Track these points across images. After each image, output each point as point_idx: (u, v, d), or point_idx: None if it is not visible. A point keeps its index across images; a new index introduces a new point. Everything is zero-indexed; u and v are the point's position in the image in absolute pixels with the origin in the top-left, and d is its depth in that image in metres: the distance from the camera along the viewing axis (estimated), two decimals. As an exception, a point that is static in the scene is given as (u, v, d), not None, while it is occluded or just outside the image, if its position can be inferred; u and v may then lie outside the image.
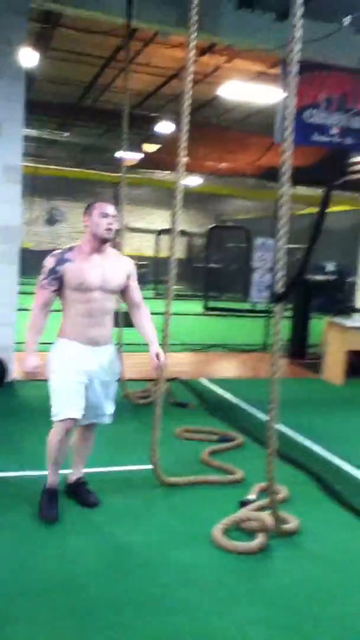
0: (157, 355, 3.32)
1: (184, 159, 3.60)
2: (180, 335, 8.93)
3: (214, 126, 11.16)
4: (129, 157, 15.40)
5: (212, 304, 14.48)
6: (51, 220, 24.25)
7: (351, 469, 4.38)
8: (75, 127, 16.40)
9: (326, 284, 14.18)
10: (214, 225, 16.16)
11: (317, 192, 13.36)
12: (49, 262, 3.16)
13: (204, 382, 6.92)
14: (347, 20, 6.75)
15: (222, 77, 10.75)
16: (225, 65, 9.95)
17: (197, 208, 22.89)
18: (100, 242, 3.18)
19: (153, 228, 19.69)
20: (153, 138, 14.37)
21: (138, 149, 13.46)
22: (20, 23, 6.01)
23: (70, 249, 3.22)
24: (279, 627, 2.48)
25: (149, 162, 12.68)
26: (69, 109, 15.11)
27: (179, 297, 18.04)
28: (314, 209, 12.29)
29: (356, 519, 3.54)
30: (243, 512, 3.34)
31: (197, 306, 14.23)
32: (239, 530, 3.23)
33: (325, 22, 6.52)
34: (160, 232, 18.63)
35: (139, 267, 20.97)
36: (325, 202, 2.84)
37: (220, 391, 6.55)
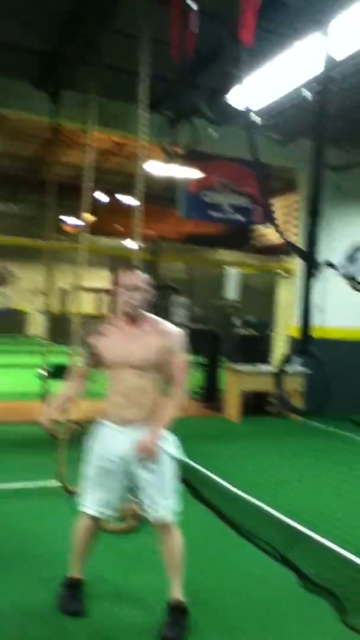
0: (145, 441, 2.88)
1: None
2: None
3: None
4: (72, 225, 16.83)
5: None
6: (2, 281, 25.17)
7: (219, 479, 5.52)
8: (19, 199, 17.78)
9: (251, 337, 15.54)
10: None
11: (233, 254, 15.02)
12: (82, 333, 3.14)
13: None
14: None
15: (149, 156, 12.36)
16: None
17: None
18: (126, 315, 2.97)
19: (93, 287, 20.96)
20: (91, 208, 15.83)
21: (77, 217, 14.87)
22: None
23: (109, 319, 3.05)
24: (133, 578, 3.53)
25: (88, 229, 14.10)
26: (13, 181, 16.48)
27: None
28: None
29: (211, 514, 4.62)
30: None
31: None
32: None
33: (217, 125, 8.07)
34: (99, 291, 19.80)
35: (84, 324, 21.97)
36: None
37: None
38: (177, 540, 3.00)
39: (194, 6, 3.16)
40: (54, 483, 4.92)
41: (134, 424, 2.92)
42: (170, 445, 2.97)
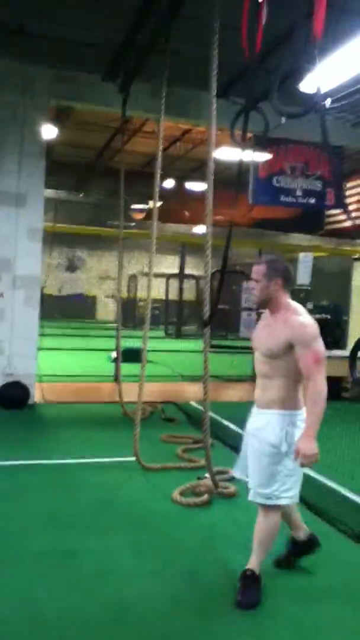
0: (297, 451, 2.86)
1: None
2: (183, 368, 10.38)
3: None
4: (137, 211, 17.15)
5: (215, 341, 15.77)
6: (71, 267, 26.04)
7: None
8: (89, 187, 18.23)
9: (324, 322, 15.39)
10: (215, 269, 17.63)
11: (306, 238, 14.84)
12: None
13: (193, 404, 8.19)
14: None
15: (217, 142, 12.41)
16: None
17: (213, 255, 24.47)
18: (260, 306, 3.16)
19: (161, 272, 21.30)
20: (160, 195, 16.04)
21: (145, 204, 15.15)
22: (40, 117, 7.60)
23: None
24: (207, 548, 3.72)
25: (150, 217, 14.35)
26: (84, 170, 16.94)
27: (188, 336, 19.55)
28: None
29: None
30: (196, 482, 4.61)
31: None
32: (194, 494, 4.49)
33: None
34: (169, 277, 20.10)
35: (152, 310, 22.20)
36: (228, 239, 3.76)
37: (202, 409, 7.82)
38: (269, 522, 3.09)
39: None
40: (130, 459, 5.18)
41: (259, 408, 3.10)
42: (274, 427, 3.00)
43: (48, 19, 6.23)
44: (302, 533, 3.41)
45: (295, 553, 3.43)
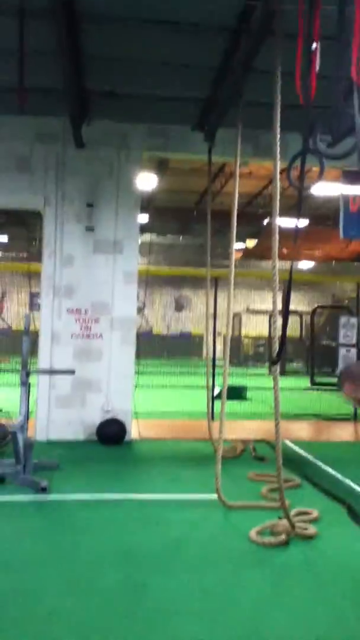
0: None
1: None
2: (284, 406, 10.22)
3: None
4: (236, 250, 17.46)
5: (319, 379, 15.39)
6: (178, 307, 26.80)
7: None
8: (192, 229, 18.91)
9: None
10: (317, 305, 17.39)
11: None
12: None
13: (287, 442, 8.08)
14: None
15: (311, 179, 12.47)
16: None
17: (315, 289, 24.19)
18: None
19: (265, 309, 21.30)
20: (258, 233, 16.26)
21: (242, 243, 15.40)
22: (134, 170, 8.13)
23: None
24: (276, 590, 3.69)
25: (252, 254, 14.51)
26: (187, 213, 17.63)
27: (294, 373, 19.27)
28: None
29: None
30: (274, 521, 4.58)
31: (307, 382, 15.31)
32: (272, 533, 4.47)
33: None
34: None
35: (256, 347, 22.33)
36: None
37: (297, 449, 7.70)
38: None
39: (315, 46, 3.34)
40: (213, 496, 5.25)
41: None
42: None
43: (136, 82, 6.76)
44: None
45: None
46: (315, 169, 4.30)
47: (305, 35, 3.59)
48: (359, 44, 2.73)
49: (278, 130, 4.22)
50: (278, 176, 4.35)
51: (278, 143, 4.29)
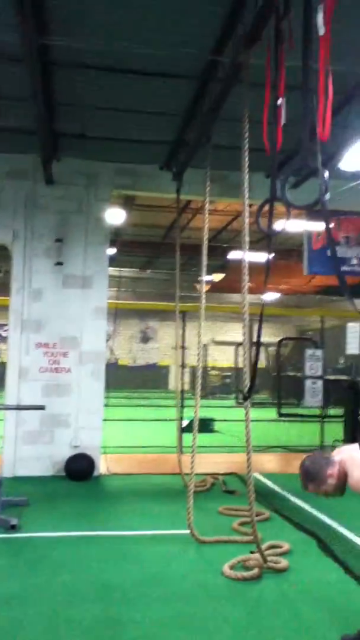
0: None
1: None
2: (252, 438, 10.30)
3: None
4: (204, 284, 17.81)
5: (285, 410, 15.58)
6: (144, 338, 26.85)
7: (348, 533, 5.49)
8: (159, 263, 19.14)
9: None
10: (282, 337, 17.76)
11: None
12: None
13: (256, 475, 8.16)
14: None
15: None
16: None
17: (280, 320, 24.62)
18: None
19: (231, 340, 21.57)
20: (223, 267, 16.57)
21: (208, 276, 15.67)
22: (103, 207, 8.28)
23: None
24: (252, 621, 3.74)
25: (218, 287, 14.77)
26: (154, 247, 17.86)
27: (260, 404, 19.43)
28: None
29: (343, 572, 4.64)
30: (246, 555, 4.63)
31: (273, 413, 15.48)
32: (244, 567, 4.51)
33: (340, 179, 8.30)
34: (237, 345, 20.25)
35: (222, 378, 22.49)
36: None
37: (267, 482, 7.79)
38: None
39: (281, 101, 3.56)
40: (185, 531, 5.27)
41: None
42: None
43: (106, 125, 6.97)
44: None
45: None
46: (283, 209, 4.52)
47: (272, 87, 3.82)
48: (324, 104, 2.93)
49: (246, 174, 4.44)
50: (247, 217, 4.55)
51: (247, 186, 4.51)
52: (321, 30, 2.96)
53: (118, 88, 6.01)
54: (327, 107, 2.96)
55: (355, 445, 3.07)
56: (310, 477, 3.22)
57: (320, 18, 2.95)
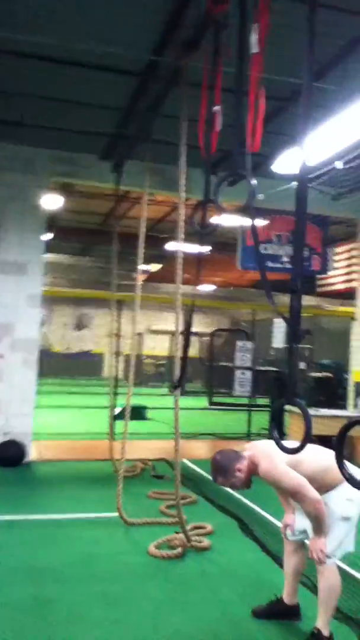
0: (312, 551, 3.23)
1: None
2: (183, 426, 10.57)
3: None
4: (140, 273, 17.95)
5: (216, 399, 16.03)
6: (79, 325, 26.66)
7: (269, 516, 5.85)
8: (96, 250, 19.04)
9: (326, 380, 15.60)
10: (216, 328, 18.19)
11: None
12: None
13: (185, 461, 8.45)
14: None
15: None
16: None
17: (215, 312, 25.05)
18: None
19: (166, 329, 21.83)
20: (160, 257, 16.76)
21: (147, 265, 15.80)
22: (40, 194, 8.26)
23: None
24: (171, 597, 3.99)
25: (154, 277, 14.94)
26: (91, 234, 17.77)
27: (193, 393, 19.81)
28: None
29: (261, 551, 4.96)
30: (171, 535, 4.89)
31: (205, 402, 15.92)
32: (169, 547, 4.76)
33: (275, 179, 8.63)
34: (173, 334, 20.56)
35: (157, 366, 22.67)
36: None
37: (195, 468, 8.09)
38: (329, 581, 3.28)
39: (217, 109, 3.76)
40: (115, 514, 5.46)
41: None
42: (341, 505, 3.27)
43: (45, 115, 6.96)
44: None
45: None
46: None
47: (208, 90, 4.01)
48: (254, 118, 3.15)
49: (184, 171, 4.63)
50: (183, 212, 4.76)
51: (183, 184, 4.70)
52: (254, 49, 3.16)
53: (58, 78, 6.04)
54: (257, 121, 3.17)
55: (268, 441, 3.25)
56: (220, 471, 3.46)
57: (254, 38, 3.15)
